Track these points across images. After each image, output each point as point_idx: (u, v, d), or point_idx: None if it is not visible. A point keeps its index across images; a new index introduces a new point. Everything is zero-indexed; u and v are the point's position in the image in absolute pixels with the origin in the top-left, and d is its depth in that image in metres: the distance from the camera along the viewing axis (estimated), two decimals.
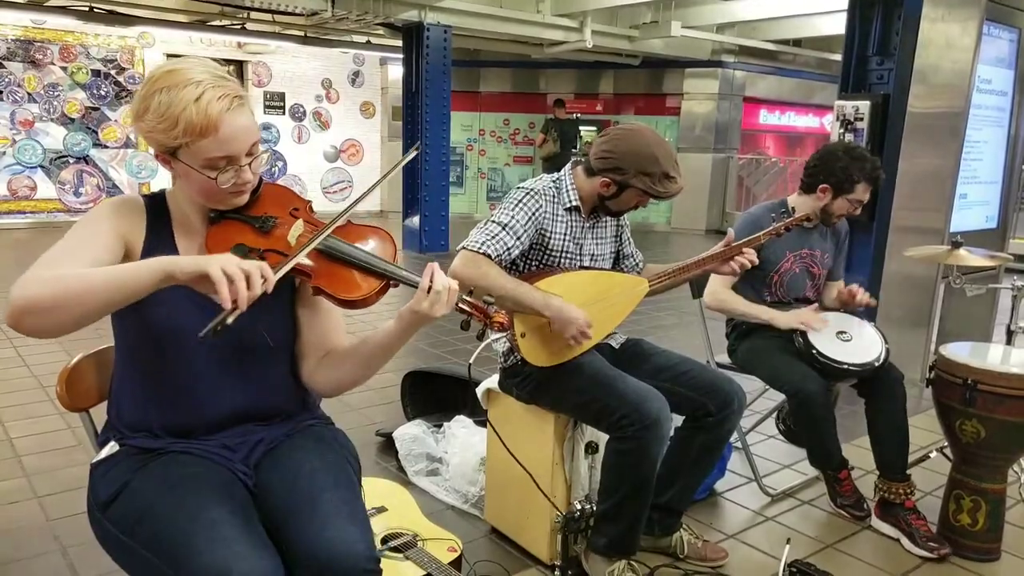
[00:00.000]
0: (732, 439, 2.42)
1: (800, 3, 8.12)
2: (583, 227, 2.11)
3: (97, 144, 9.26)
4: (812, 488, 2.73)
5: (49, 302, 1.06)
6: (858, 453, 2.81)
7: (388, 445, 2.92)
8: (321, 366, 1.40)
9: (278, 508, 1.25)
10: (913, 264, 3.76)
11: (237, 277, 1.06)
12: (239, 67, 10.14)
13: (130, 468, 1.27)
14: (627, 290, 2.10)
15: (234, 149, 1.22)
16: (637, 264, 2.29)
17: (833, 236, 2.69)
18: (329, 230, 1.26)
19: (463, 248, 1.94)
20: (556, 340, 1.96)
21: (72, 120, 9.06)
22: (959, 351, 2.32)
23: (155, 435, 1.31)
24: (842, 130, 4.07)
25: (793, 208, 2.53)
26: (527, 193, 2.02)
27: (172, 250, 1.30)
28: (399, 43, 8.30)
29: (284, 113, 10.65)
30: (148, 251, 1.27)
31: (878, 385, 2.44)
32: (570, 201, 2.06)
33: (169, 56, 9.10)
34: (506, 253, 1.94)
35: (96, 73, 9.15)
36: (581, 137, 9.77)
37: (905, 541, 2.33)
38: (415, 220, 8.19)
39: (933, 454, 2.62)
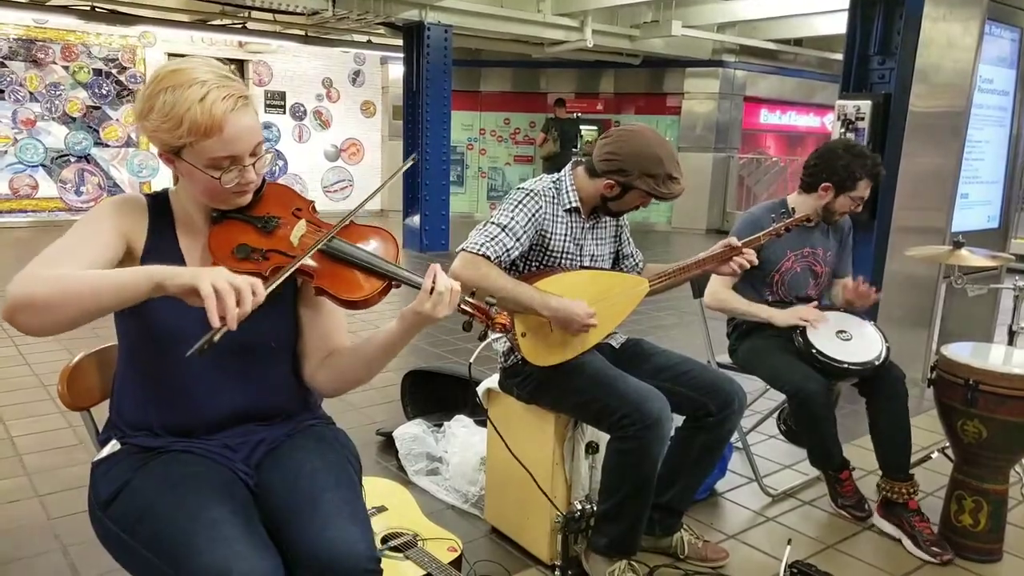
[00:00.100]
0: (733, 439, 2.42)
1: (801, 3, 8.12)
2: (583, 228, 2.11)
3: (98, 143, 9.27)
4: (813, 488, 2.73)
5: (44, 301, 1.07)
6: (859, 453, 2.81)
7: (388, 444, 2.92)
8: (323, 366, 1.40)
9: (279, 508, 1.25)
10: (914, 264, 3.76)
11: (226, 294, 1.05)
12: (240, 66, 10.14)
13: (131, 467, 1.27)
14: (627, 290, 2.10)
15: (238, 149, 1.22)
16: (637, 264, 2.29)
17: (835, 233, 2.69)
18: (327, 238, 1.26)
19: (462, 250, 1.93)
20: (557, 340, 1.96)
21: (73, 119, 9.06)
22: (961, 351, 2.32)
23: (156, 434, 1.31)
24: (843, 129, 4.06)
25: (793, 208, 2.53)
26: (527, 194, 2.02)
27: (175, 250, 1.30)
28: (400, 42, 8.30)
29: (285, 112, 10.66)
30: (150, 250, 1.27)
31: (879, 384, 2.44)
32: (570, 202, 2.06)
33: (170, 55, 9.11)
34: (505, 254, 1.94)
35: (97, 72, 9.15)
36: (582, 136, 9.77)
37: (907, 543, 2.32)
38: (415, 219, 8.20)
39: (935, 454, 2.62)
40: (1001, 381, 2.15)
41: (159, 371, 1.30)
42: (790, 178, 10.61)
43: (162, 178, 9.41)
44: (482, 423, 2.61)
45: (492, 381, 2.26)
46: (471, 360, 1.97)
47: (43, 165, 8.97)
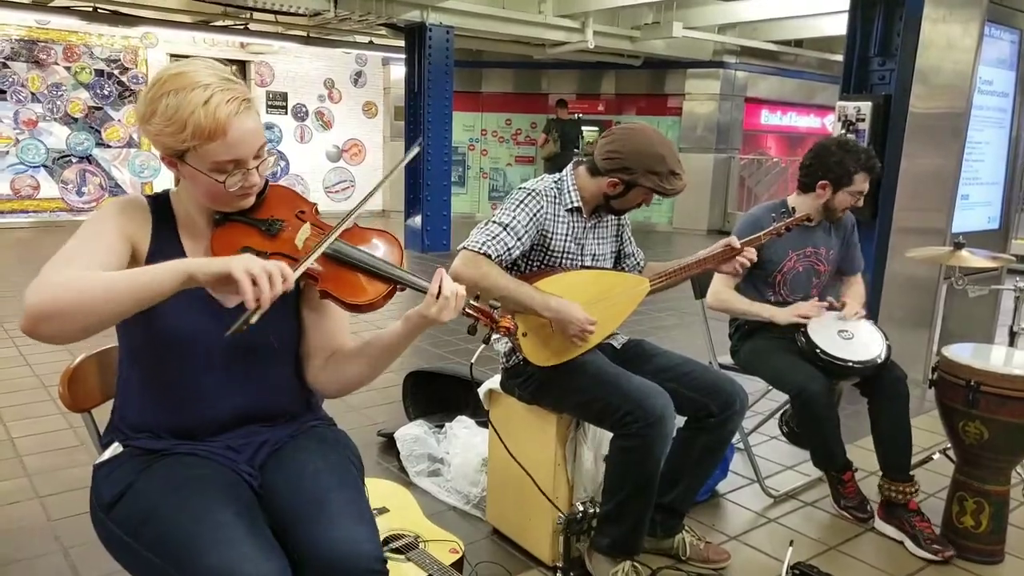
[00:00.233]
0: (734, 440, 2.42)
1: (801, 4, 8.12)
2: (584, 227, 2.11)
3: (100, 144, 9.27)
4: (815, 489, 2.73)
5: (67, 308, 1.05)
6: (861, 454, 2.80)
7: (390, 446, 2.92)
8: (326, 367, 1.41)
9: (284, 509, 1.25)
10: (915, 265, 3.76)
11: (260, 277, 1.08)
12: (242, 67, 10.16)
13: (134, 469, 1.27)
14: (628, 290, 2.10)
15: (242, 152, 1.22)
16: (638, 263, 2.29)
17: (838, 232, 2.69)
18: (340, 230, 1.27)
19: (463, 248, 1.94)
20: (558, 340, 1.96)
21: (75, 120, 9.07)
22: (962, 352, 2.32)
23: (159, 436, 1.31)
24: (844, 130, 4.06)
25: (793, 208, 2.53)
26: (528, 194, 2.02)
27: (178, 252, 1.30)
28: (401, 43, 8.31)
29: (287, 113, 10.66)
30: (153, 253, 1.27)
31: (881, 384, 2.44)
32: (572, 202, 2.06)
33: (172, 56, 9.11)
34: (507, 253, 1.94)
35: (99, 73, 9.16)
36: (583, 137, 9.77)
37: (909, 543, 2.32)
38: (417, 220, 8.20)
39: (936, 455, 2.62)
40: (1002, 382, 2.15)
41: (163, 374, 1.30)
42: (791, 179, 10.61)
43: (163, 179, 9.41)
44: (484, 424, 2.61)
45: (494, 382, 2.26)
46: (472, 361, 1.96)
47: (45, 166, 8.98)
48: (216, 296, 1.23)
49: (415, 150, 1.70)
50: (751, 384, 2.40)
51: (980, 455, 2.25)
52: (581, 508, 2.05)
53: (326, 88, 10.96)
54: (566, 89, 11.11)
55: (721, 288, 2.57)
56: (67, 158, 9.10)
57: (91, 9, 8.04)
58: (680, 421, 2.07)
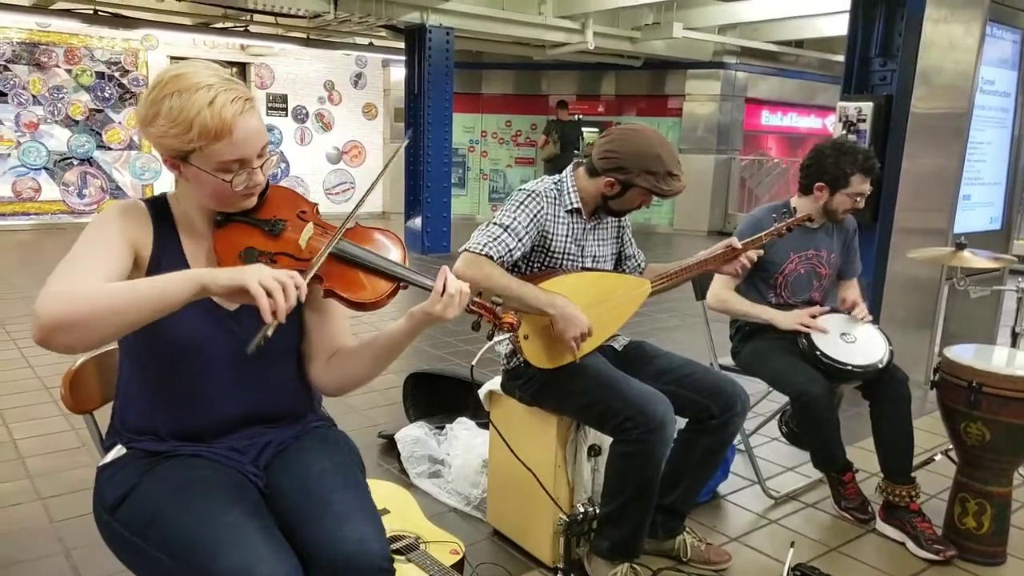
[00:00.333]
0: (735, 441, 2.42)
1: (802, 4, 8.12)
2: (584, 229, 2.11)
3: (101, 146, 9.28)
4: (816, 491, 2.73)
5: (82, 319, 1.05)
6: (862, 455, 2.80)
7: (390, 447, 2.92)
8: (328, 366, 1.41)
9: (290, 509, 1.26)
10: (917, 266, 3.76)
11: (275, 290, 1.08)
12: (242, 69, 10.17)
13: (137, 471, 1.27)
14: (629, 291, 2.10)
15: (247, 152, 1.23)
16: (639, 265, 2.29)
17: (840, 235, 2.68)
18: (344, 229, 1.27)
19: (465, 250, 1.94)
20: (559, 342, 1.96)
21: (76, 122, 9.08)
22: (963, 353, 2.31)
23: (161, 439, 1.31)
24: (845, 131, 4.06)
25: (795, 209, 2.53)
26: (528, 195, 2.02)
27: (179, 255, 1.30)
28: (401, 45, 8.31)
29: (287, 115, 10.67)
30: (156, 258, 1.27)
31: (882, 387, 2.44)
32: (572, 203, 2.06)
33: (173, 58, 9.12)
34: (508, 255, 1.94)
35: (100, 75, 9.17)
36: (583, 138, 9.78)
37: (910, 544, 2.32)
38: (417, 221, 8.20)
39: (938, 456, 2.61)
40: (1004, 383, 2.15)
41: (168, 377, 1.30)
42: (792, 180, 10.61)
43: (164, 181, 9.43)
44: (484, 425, 2.61)
45: (494, 383, 2.26)
46: (473, 362, 1.96)
47: (46, 168, 8.99)
48: (217, 300, 1.23)
49: (405, 142, 1.71)
50: (752, 385, 2.40)
51: (982, 456, 2.25)
52: (581, 509, 2.05)
53: (326, 90, 10.96)
54: (566, 90, 11.11)
55: (721, 289, 2.56)
56: (68, 160, 9.11)
57: (92, 12, 8.05)
58: (681, 423, 2.07)
